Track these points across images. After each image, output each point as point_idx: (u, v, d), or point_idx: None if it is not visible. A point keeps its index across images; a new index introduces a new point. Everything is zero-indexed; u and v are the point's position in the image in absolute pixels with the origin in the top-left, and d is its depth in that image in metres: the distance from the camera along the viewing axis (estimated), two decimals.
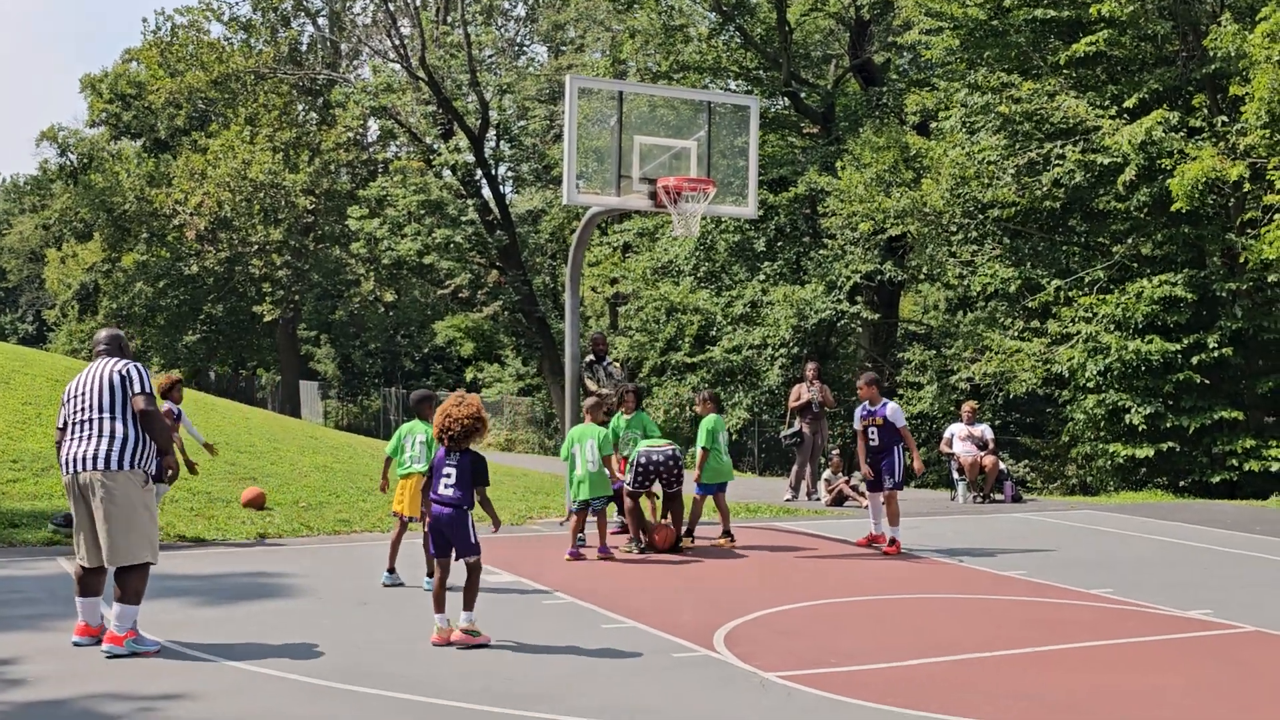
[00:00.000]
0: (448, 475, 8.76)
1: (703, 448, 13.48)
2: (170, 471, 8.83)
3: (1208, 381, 22.08)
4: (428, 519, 8.90)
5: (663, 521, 13.41)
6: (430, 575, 10.58)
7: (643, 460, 12.89)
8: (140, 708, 7.04)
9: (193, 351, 54.55)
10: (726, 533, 13.81)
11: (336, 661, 8.15)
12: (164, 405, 12.08)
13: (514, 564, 11.99)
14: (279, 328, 52.57)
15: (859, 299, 30.13)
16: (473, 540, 8.74)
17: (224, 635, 8.83)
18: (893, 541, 13.19)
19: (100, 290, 55.76)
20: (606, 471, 12.55)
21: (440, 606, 8.76)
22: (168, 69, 48.94)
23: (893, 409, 13.38)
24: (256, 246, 47.09)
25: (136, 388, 8.26)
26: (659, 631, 9.17)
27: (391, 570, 10.98)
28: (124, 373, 8.30)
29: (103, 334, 8.67)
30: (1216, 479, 21.82)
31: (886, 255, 29.68)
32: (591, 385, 15.54)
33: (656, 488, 13.20)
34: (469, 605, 8.68)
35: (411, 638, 8.86)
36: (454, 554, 8.77)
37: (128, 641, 8.16)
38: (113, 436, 8.19)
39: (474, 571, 8.75)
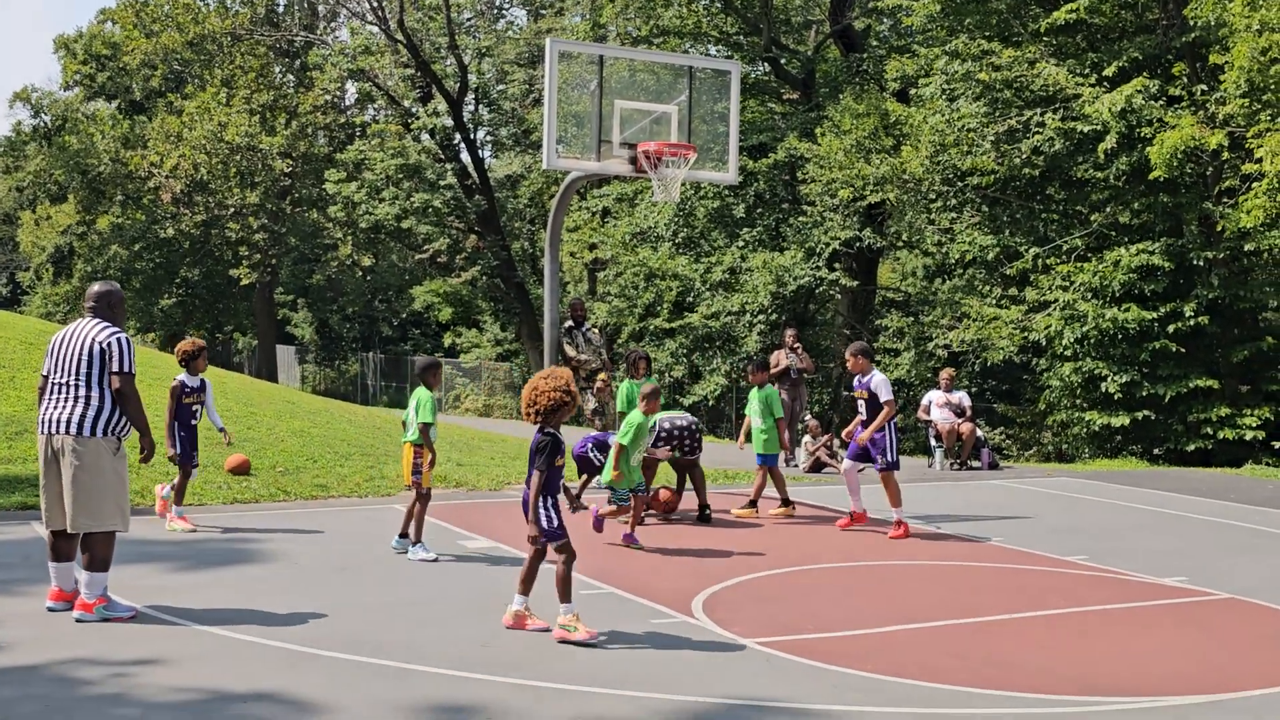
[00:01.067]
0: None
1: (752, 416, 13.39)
2: (146, 452, 8.64)
3: (1184, 350, 22.17)
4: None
5: (667, 487, 13.26)
6: (402, 536, 10.69)
7: (666, 428, 12.68)
8: (115, 673, 7.02)
9: (169, 315, 54.26)
10: (786, 501, 13.50)
11: (313, 627, 8.14)
12: (179, 379, 11.90)
13: (492, 529, 11.99)
14: (256, 292, 52.34)
15: (838, 266, 30.15)
16: (551, 524, 8.03)
17: (200, 601, 8.80)
18: (898, 524, 12.19)
19: (75, 253, 55.39)
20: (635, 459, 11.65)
21: (525, 589, 8.18)
22: (143, 30, 48.45)
23: (878, 380, 12.41)
24: (233, 210, 46.82)
25: (115, 365, 8.10)
26: (637, 598, 9.18)
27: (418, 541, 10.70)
28: (105, 345, 8.11)
29: (94, 289, 8.41)
30: (1191, 447, 21.95)
31: (865, 222, 29.67)
32: (570, 351, 15.53)
33: (662, 453, 12.67)
34: (563, 595, 7.99)
35: (389, 604, 8.85)
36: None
37: (98, 608, 8.12)
38: (88, 402, 8.12)
39: (559, 560, 8.04)
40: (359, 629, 8.10)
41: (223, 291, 54.17)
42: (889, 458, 12.38)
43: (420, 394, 10.56)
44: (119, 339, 8.17)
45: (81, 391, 8.12)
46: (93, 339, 8.14)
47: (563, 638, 7.85)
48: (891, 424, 12.44)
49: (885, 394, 12.38)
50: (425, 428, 10.43)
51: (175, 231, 49.07)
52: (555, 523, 8.02)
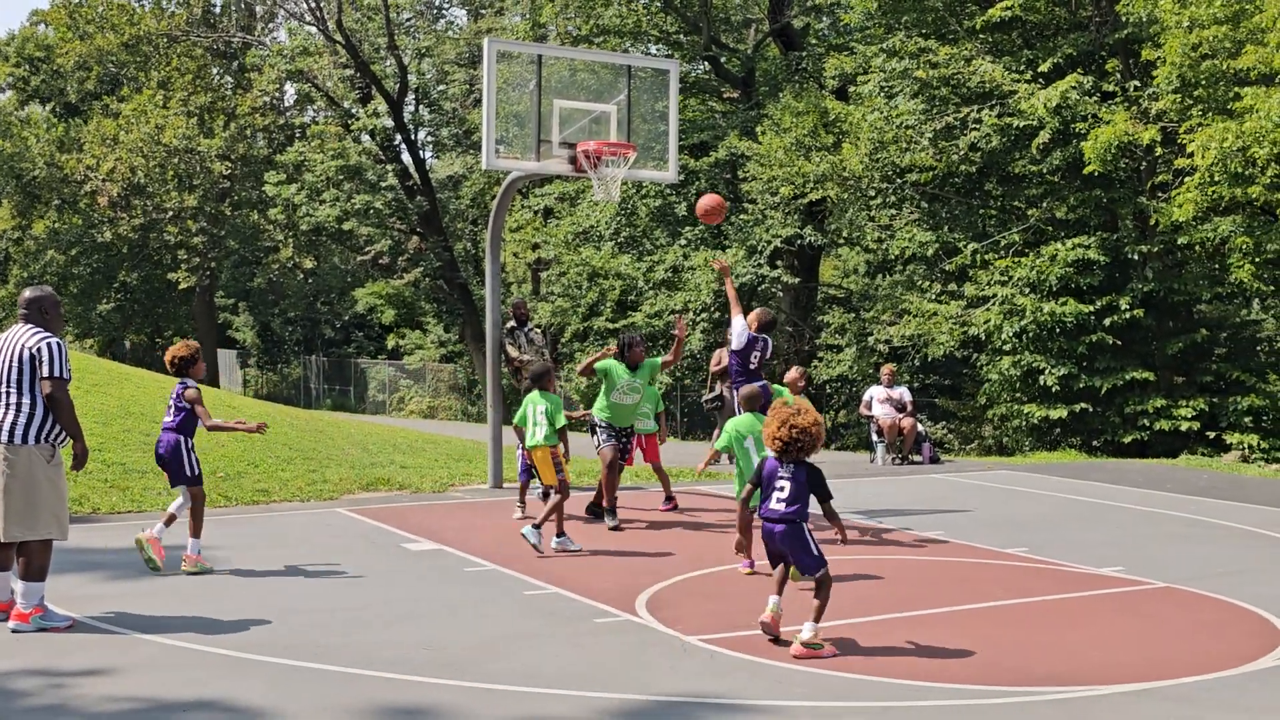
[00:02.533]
0: (780, 489, 7.90)
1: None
2: (79, 459, 8.36)
3: (1120, 343, 22.47)
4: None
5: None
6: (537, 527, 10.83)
7: (614, 430, 12.68)
8: (53, 684, 6.95)
9: (107, 321, 53.59)
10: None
11: (255, 633, 8.09)
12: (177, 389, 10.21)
13: (436, 531, 11.96)
14: (196, 296, 51.81)
15: (779, 263, 30.31)
16: (815, 553, 7.87)
17: (140, 609, 8.72)
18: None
19: (10, 259, 54.56)
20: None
21: (779, 589, 7.99)
22: (77, 31, 47.88)
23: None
24: (171, 213, 46.32)
25: (45, 370, 7.97)
26: (581, 597, 9.19)
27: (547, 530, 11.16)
28: (35, 351, 8.00)
29: (26, 295, 8.28)
30: (1128, 439, 22.24)
31: (806, 219, 29.85)
32: (513, 351, 15.50)
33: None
34: (817, 617, 7.77)
35: (332, 608, 8.81)
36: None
37: (34, 618, 8.03)
38: (19, 409, 8.02)
39: (822, 585, 7.83)
40: (302, 634, 8.06)
41: (162, 296, 53.55)
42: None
43: (544, 398, 11.30)
44: (50, 344, 8.05)
45: (13, 399, 8.02)
46: (23, 345, 8.04)
47: (805, 654, 7.59)
48: None
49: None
50: (564, 430, 11.43)
51: (113, 235, 48.46)
52: (817, 552, 7.95)
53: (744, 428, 10.26)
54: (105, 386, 19.83)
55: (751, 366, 11.58)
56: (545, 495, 12.16)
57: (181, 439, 10.07)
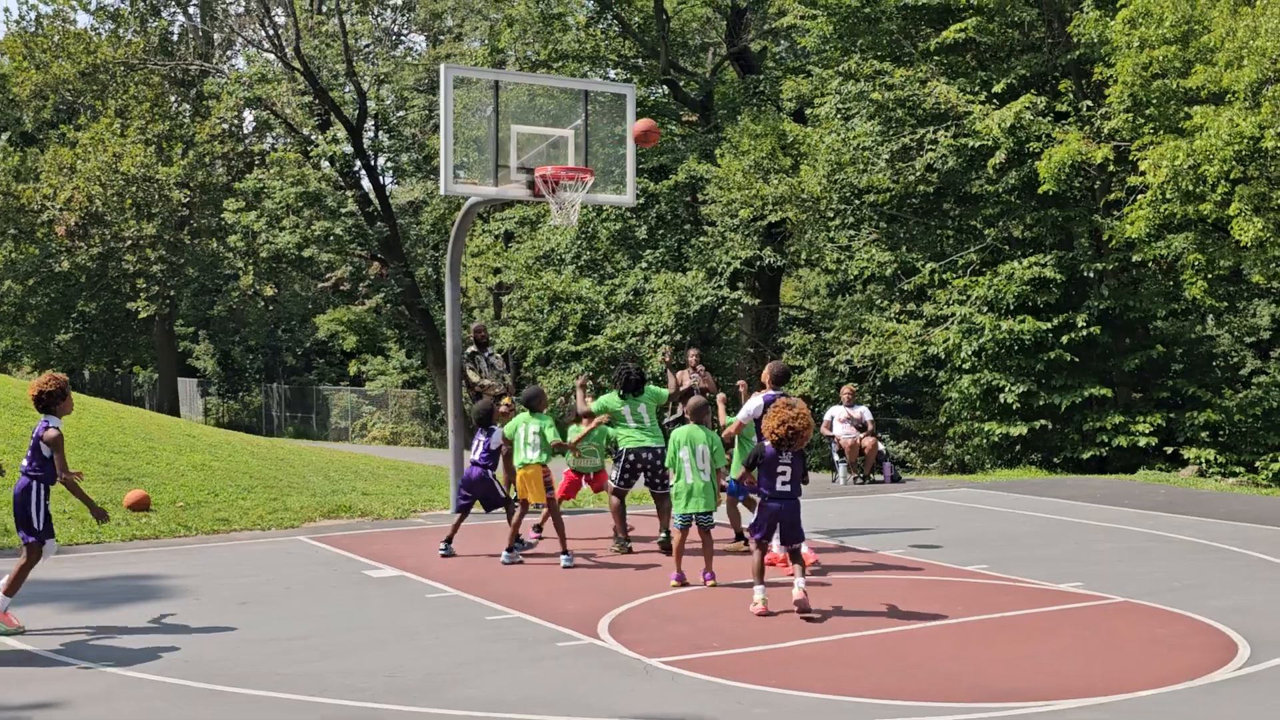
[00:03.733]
0: (783, 473, 9.53)
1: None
2: None
3: (1077, 360, 22.65)
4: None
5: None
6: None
7: (630, 457, 12.18)
8: (11, 717, 6.89)
9: (65, 351, 53.14)
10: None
11: (215, 663, 8.05)
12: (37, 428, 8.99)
13: (398, 558, 11.93)
14: (155, 324, 51.45)
15: (740, 285, 30.42)
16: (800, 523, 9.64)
17: (99, 640, 8.66)
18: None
19: None
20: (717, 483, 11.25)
21: (760, 578, 9.56)
22: (33, 60, 47.55)
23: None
24: (130, 242, 45.99)
25: None
26: (543, 621, 9.19)
27: (510, 549, 11.84)
28: None
29: None
30: (1087, 455, 22.41)
31: (766, 241, 29.98)
32: (473, 376, 15.50)
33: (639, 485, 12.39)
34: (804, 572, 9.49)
35: (293, 636, 8.77)
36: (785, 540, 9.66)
37: None
38: None
39: (798, 552, 9.60)
40: (263, 663, 8.02)
41: (121, 325, 53.16)
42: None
43: (536, 419, 11.57)
44: None
45: None
46: None
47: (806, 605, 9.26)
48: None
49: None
50: (560, 445, 11.69)
51: (71, 265, 48.04)
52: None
53: (682, 439, 10.65)
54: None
55: None
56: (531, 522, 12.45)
57: (34, 484, 8.88)
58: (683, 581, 10.53)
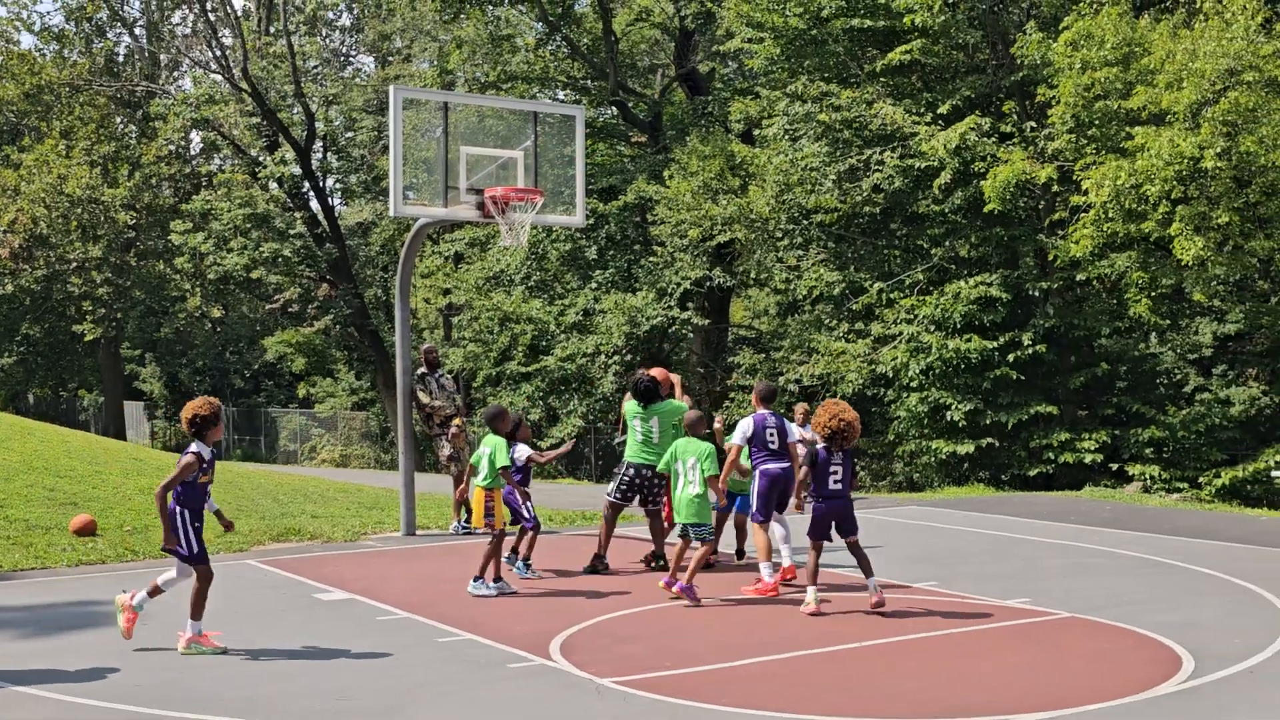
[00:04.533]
0: (834, 473, 10.12)
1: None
2: None
3: (1023, 378, 22.89)
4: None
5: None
6: (503, 571, 11.30)
7: (631, 471, 12.02)
8: None
9: (9, 374, 52.51)
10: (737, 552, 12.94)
11: (165, 688, 7.98)
12: (194, 450, 8.98)
13: (348, 581, 11.87)
14: (101, 347, 50.91)
15: (690, 305, 30.54)
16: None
17: (43, 665, 8.56)
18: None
19: None
20: (712, 496, 11.05)
21: (814, 579, 10.23)
22: None
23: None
24: (75, 264, 45.54)
25: None
26: (495, 643, 9.18)
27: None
28: None
29: None
30: (1034, 472, 22.63)
31: (715, 261, 30.13)
32: (424, 397, 15.47)
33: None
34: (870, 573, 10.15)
35: (242, 659, 8.71)
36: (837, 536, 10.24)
37: None
38: None
39: (857, 546, 10.22)
40: (211, 687, 7.96)
41: (66, 348, 52.56)
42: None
43: (492, 440, 11.11)
44: None
45: None
46: None
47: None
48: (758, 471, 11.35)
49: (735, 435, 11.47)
50: (504, 470, 11.05)
51: (15, 288, 47.47)
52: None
53: (679, 450, 10.93)
54: (8, 441, 19.45)
55: (772, 446, 11.28)
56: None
57: (177, 509, 8.91)
58: (684, 592, 10.61)
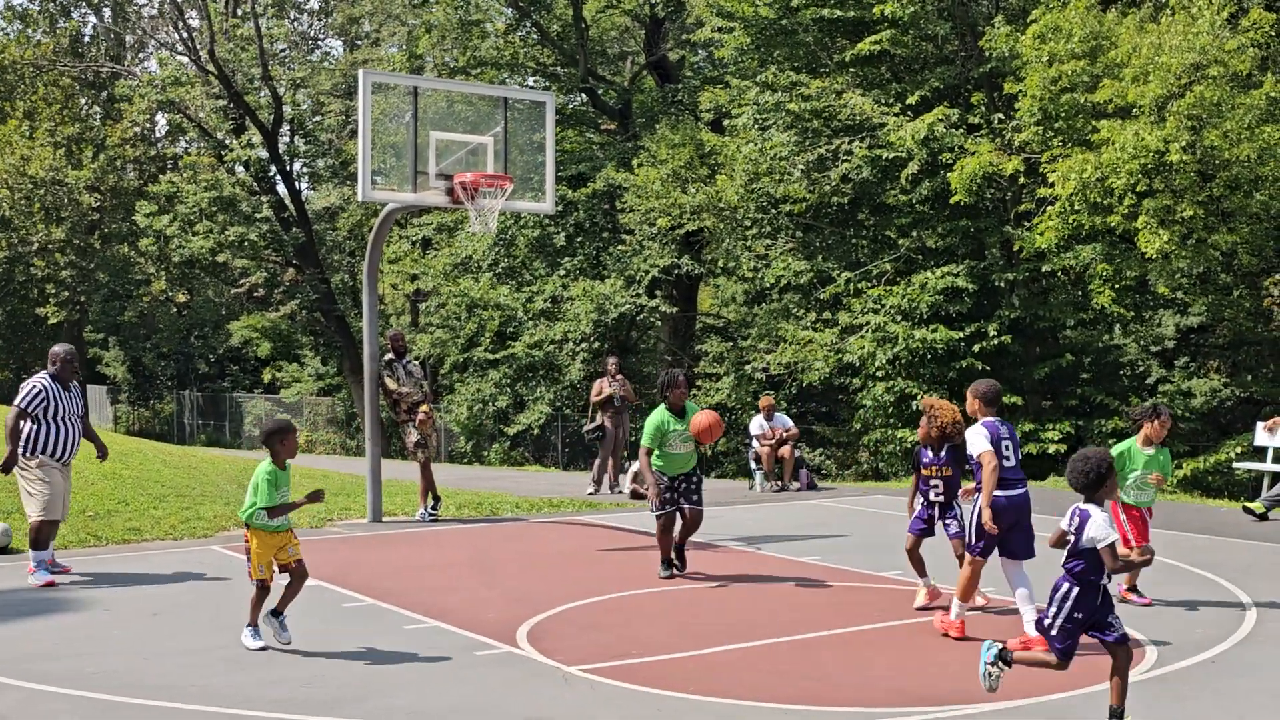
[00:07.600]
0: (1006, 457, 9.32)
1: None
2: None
3: (989, 368, 22.98)
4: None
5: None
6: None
7: (669, 482, 11.24)
8: None
9: None
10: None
11: (127, 675, 7.94)
12: None
13: (314, 567, 11.79)
14: (64, 330, 50.52)
15: (658, 293, 30.54)
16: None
17: (5, 653, 8.51)
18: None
19: None
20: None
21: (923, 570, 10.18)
22: None
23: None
24: (38, 246, 45.16)
25: None
26: (462, 630, 9.18)
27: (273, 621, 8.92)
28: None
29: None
30: None
31: (684, 250, 30.14)
32: (391, 384, 15.43)
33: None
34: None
35: (208, 647, 8.67)
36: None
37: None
38: None
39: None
40: (181, 674, 7.93)
41: (29, 331, 52.08)
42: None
43: (262, 466, 8.80)
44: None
45: None
46: None
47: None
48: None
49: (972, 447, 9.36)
50: (276, 510, 8.71)
51: None
52: None
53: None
54: None
55: (1008, 463, 9.48)
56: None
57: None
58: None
